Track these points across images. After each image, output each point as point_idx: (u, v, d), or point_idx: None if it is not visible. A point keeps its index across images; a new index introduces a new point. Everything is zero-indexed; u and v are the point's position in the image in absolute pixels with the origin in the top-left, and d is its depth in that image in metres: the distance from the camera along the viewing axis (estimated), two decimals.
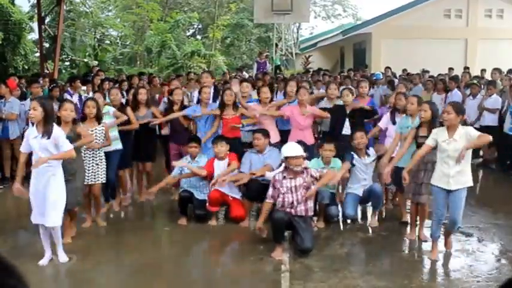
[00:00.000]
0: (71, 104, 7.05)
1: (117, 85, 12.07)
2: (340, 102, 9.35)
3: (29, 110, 10.33)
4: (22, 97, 11.23)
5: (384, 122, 8.67)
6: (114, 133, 8.24)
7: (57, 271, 6.24)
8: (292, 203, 6.56)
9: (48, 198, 6.07)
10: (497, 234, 7.53)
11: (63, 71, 28.98)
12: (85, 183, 7.38)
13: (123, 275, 6.22)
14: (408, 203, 7.87)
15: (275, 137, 8.79)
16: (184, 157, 8.37)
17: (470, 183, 6.31)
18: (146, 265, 6.35)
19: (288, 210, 6.57)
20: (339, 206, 8.15)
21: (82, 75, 17.09)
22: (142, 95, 9.16)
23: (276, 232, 6.58)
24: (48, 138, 6.01)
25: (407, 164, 6.79)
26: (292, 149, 6.62)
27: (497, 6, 25.45)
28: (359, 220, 8.18)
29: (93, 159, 7.58)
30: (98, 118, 7.65)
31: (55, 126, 6.18)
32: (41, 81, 12.58)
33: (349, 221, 8.05)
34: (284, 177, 6.60)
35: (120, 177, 8.92)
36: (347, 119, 9.03)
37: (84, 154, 7.42)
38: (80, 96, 12.00)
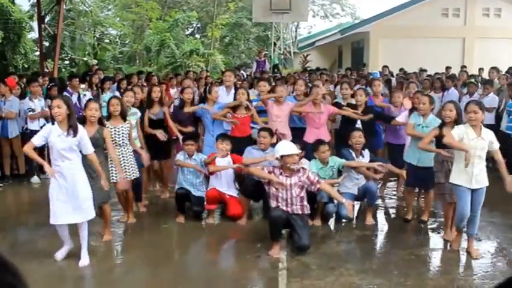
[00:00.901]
0: (95, 103, 6.92)
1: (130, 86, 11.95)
2: (352, 101, 9.40)
3: (28, 109, 10.52)
4: (22, 96, 11.26)
5: (402, 118, 8.71)
6: (134, 134, 8.24)
7: (56, 269, 6.25)
8: (287, 200, 6.62)
9: (78, 193, 6.06)
10: (493, 232, 7.60)
11: (63, 69, 28.92)
12: (113, 181, 7.36)
13: (122, 272, 6.26)
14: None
15: (287, 135, 8.85)
16: (181, 153, 8.39)
17: (487, 183, 6.40)
18: (144, 263, 6.41)
19: (284, 208, 6.62)
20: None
21: (82, 74, 17.08)
22: (156, 93, 9.18)
23: (273, 230, 6.61)
24: (75, 136, 6.01)
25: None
26: (287, 147, 6.66)
27: (495, 5, 25.49)
28: (355, 219, 8.23)
29: (123, 156, 7.57)
30: (123, 115, 7.63)
31: (80, 126, 6.18)
32: (41, 80, 12.60)
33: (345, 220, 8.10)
34: (281, 173, 6.65)
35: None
36: (358, 119, 9.10)
37: (116, 151, 7.41)
38: (79, 95, 12.02)
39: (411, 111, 8.46)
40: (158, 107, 9.14)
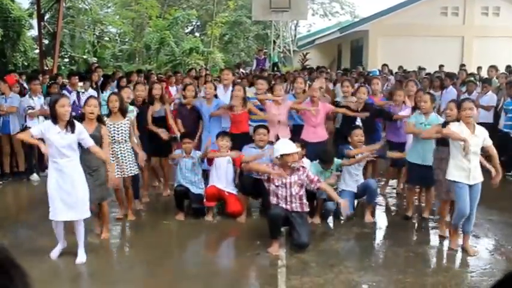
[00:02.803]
0: (95, 100, 6.92)
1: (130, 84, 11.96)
2: (353, 99, 9.42)
3: (28, 107, 10.52)
4: (21, 94, 11.28)
5: (406, 112, 8.76)
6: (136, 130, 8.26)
7: (55, 266, 6.27)
8: (286, 198, 6.64)
9: (78, 191, 6.09)
10: (491, 229, 7.63)
11: (63, 67, 28.96)
12: (117, 176, 7.38)
13: (121, 270, 6.29)
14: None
15: (285, 133, 8.82)
16: (179, 151, 8.42)
17: (482, 178, 6.48)
18: (144, 260, 6.42)
19: (283, 206, 6.65)
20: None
21: (83, 72, 17.11)
22: (157, 91, 9.23)
23: (272, 227, 6.63)
24: (73, 132, 6.03)
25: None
26: (286, 146, 6.67)
27: (494, 4, 25.47)
28: (354, 216, 8.27)
29: (121, 152, 7.60)
30: (122, 112, 7.62)
31: (76, 121, 6.21)
32: (41, 78, 12.61)
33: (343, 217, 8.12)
34: None
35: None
36: (358, 117, 9.12)
37: (113, 148, 7.46)
38: (78, 93, 12.04)
39: (414, 109, 8.49)
40: (159, 105, 9.16)
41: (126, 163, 7.67)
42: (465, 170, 6.34)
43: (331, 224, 7.92)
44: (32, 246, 6.69)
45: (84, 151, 6.37)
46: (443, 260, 6.55)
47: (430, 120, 7.61)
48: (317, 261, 6.30)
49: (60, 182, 6.09)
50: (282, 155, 6.60)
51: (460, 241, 6.81)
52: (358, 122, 9.04)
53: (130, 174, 7.78)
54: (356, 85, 11.48)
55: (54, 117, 6.08)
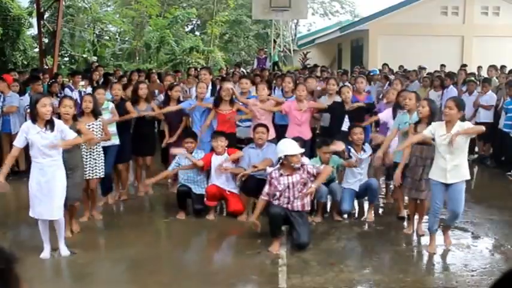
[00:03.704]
0: (70, 100, 7.07)
1: (115, 80, 12.12)
2: (339, 99, 9.43)
3: (28, 106, 10.51)
4: (21, 92, 11.29)
5: (385, 114, 8.71)
6: (112, 128, 8.30)
7: (56, 264, 6.30)
8: (289, 198, 6.65)
9: (54, 191, 6.14)
10: (491, 229, 7.63)
11: (62, 66, 28.97)
12: (84, 178, 7.47)
13: (122, 268, 6.31)
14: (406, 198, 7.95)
15: (271, 132, 8.83)
16: (182, 150, 8.42)
17: (468, 177, 6.43)
18: (145, 259, 6.42)
19: (284, 205, 6.65)
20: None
21: (83, 70, 17.12)
22: (143, 90, 9.26)
23: (273, 227, 6.65)
24: (52, 130, 6.09)
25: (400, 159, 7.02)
26: (291, 147, 6.66)
27: (494, 4, 25.45)
28: (355, 215, 8.28)
29: (90, 154, 7.63)
30: (95, 113, 7.69)
31: (55, 119, 6.27)
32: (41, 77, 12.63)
33: (345, 215, 8.14)
34: (281, 175, 6.66)
35: (120, 171, 8.99)
36: (346, 116, 9.13)
37: (82, 149, 7.47)
38: (80, 92, 12.06)
39: (394, 109, 8.47)
40: (145, 104, 9.23)
41: (95, 165, 7.70)
42: (442, 169, 6.33)
43: (331, 223, 7.92)
44: (32, 245, 6.69)
45: (65, 150, 6.41)
46: (444, 259, 6.54)
47: (414, 119, 7.57)
48: (318, 260, 6.31)
49: (40, 182, 6.15)
50: (286, 156, 6.61)
51: (457, 242, 6.85)
52: (346, 122, 9.05)
53: (96, 177, 7.79)
54: (341, 84, 11.54)
55: (34, 116, 6.13)
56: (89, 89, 12.15)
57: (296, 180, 6.63)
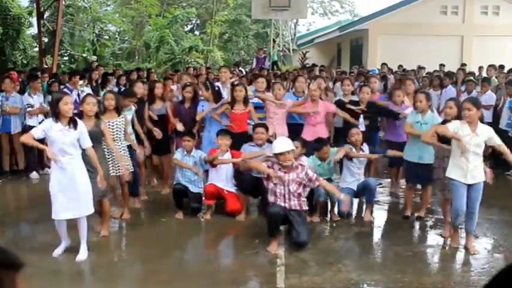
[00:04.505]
0: (93, 98, 6.98)
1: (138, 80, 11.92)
2: (355, 98, 9.43)
3: (27, 105, 10.53)
4: (21, 92, 11.29)
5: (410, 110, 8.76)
6: (129, 129, 8.25)
7: (55, 263, 6.27)
8: (285, 195, 6.64)
9: (80, 187, 6.12)
10: (490, 229, 7.63)
11: (62, 65, 28.97)
12: (112, 174, 7.40)
13: (121, 267, 6.29)
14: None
15: (283, 131, 8.81)
16: (180, 150, 8.39)
17: (483, 177, 6.44)
18: (143, 258, 6.42)
19: (282, 204, 6.65)
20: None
21: (83, 70, 17.12)
22: (159, 89, 9.31)
23: (271, 226, 6.64)
24: (76, 129, 6.10)
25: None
26: (280, 145, 6.65)
27: (493, 3, 25.46)
28: (353, 215, 8.28)
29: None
30: (118, 110, 7.63)
31: (78, 120, 6.26)
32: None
33: (344, 215, 8.13)
34: (279, 169, 6.68)
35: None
36: (361, 116, 9.14)
37: (103, 147, 7.38)
38: (78, 92, 12.04)
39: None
40: (160, 103, 9.21)
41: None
42: (463, 169, 6.33)
43: (330, 223, 7.93)
44: (32, 244, 6.71)
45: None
46: (442, 259, 6.54)
47: (426, 119, 7.62)
48: (316, 260, 6.30)
49: (62, 181, 6.11)
50: (275, 154, 6.63)
51: (462, 240, 6.81)
52: (362, 121, 9.07)
53: (124, 172, 7.73)
54: (356, 84, 11.50)
55: (56, 114, 6.11)
56: (87, 89, 12.11)
57: (292, 178, 6.62)
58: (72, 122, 6.11)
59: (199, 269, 6.23)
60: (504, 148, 6.49)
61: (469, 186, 6.37)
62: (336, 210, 8.14)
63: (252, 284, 5.92)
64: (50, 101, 8.38)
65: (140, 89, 9.02)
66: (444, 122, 6.96)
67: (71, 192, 6.11)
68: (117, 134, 7.56)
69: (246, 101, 8.98)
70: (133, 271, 6.18)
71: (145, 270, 6.09)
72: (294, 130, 9.00)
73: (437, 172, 7.22)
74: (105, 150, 7.30)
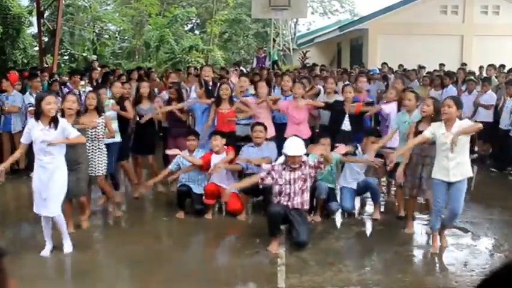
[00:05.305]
0: (73, 96, 7.13)
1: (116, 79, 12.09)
2: (340, 98, 9.43)
3: (28, 104, 10.52)
4: (22, 91, 11.29)
5: (389, 107, 8.76)
6: (114, 126, 8.30)
7: (56, 263, 6.29)
8: (289, 194, 6.66)
9: (51, 189, 6.18)
10: (490, 229, 7.63)
11: (62, 65, 28.98)
12: (92, 174, 7.49)
13: (121, 267, 6.31)
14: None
15: (270, 131, 8.84)
16: (184, 151, 8.42)
17: (470, 174, 6.45)
18: (144, 257, 6.41)
19: (284, 203, 6.66)
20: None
21: (83, 69, 17.13)
22: (145, 89, 9.34)
23: (272, 226, 6.64)
24: (56, 128, 6.13)
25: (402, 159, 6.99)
26: (294, 149, 6.62)
27: (493, 3, 25.44)
28: (356, 214, 8.28)
29: (92, 152, 7.61)
30: (98, 110, 7.66)
31: (59, 117, 6.31)
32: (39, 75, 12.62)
33: (346, 214, 8.14)
34: (284, 169, 6.68)
35: (123, 166, 9.08)
36: (347, 115, 9.13)
37: (86, 146, 7.45)
38: (79, 91, 12.04)
39: (399, 104, 8.46)
40: (148, 103, 9.26)
41: (96, 162, 7.67)
42: (445, 168, 6.33)
43: (330, 223, 7.92)
44: (32, 243, 6.71)
45: (69, 146, 6.45)
46: (443, 259, 6.53)
47: (413, 117, 7.56)
48: (316, 260, 6.30)
49: (42, 178, 6.22)
50: (286, 155, 6.64)
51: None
52: (346, 120, 9.05)
53: (99, 174, 7.74)
54: (340, 84, 11.52)
55: (38, 114, 6.19)
56: (88, 88, 12.12)
57: (298, 176, 6.65)
58: (53, 122, 6.15)
59: (200, 269, 6.24)
60: (471, 125, 6.48)
61: (451, 184, 6.37)
62: (334, 206, 8.10)
63: (253, 284, 5.92)
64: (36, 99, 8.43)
65: (118, 88, 9.07)
66: (421, 120, 7.03)
67: (44, 192, 6.22)
68: (95, 133, 7.59)
69: (231, 100, 9.04)
70: (132, 271, 6.17)
71: (146, 270, 6.08)
72: (279, 129, 9.09)
73: (414, 168, 7.13)
74: (87, 148, 7.40)
